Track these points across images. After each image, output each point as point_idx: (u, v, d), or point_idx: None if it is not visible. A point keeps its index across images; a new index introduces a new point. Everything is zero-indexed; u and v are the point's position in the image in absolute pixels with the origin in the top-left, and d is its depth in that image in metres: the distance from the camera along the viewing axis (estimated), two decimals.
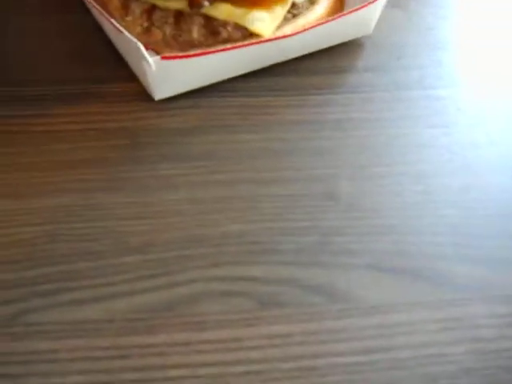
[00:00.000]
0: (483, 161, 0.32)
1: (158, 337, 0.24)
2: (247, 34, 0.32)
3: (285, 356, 0.24)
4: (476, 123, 0.33)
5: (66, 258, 0.26)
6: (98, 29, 0.36)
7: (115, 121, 0.32)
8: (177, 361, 0.24)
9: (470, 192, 0.30)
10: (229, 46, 0.31)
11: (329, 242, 0.27)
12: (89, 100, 0.32)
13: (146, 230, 0.27)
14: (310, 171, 0.30)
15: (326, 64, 0.36)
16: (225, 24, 0.32)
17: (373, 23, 0.36)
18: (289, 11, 0.33)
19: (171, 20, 0.32)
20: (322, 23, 0.33)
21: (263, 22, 0.32)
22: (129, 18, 0.33)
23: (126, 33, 0.30)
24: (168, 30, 0.32)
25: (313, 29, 0.33)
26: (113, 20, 0.30)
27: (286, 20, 0.33)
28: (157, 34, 0.32)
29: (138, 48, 0.29)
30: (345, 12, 0.34)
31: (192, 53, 0.30)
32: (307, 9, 0.34)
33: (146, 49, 0.33)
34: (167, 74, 0.31)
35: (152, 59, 0.29)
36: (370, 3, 0.34)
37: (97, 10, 0.31)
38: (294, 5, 0.34)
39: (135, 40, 0.29)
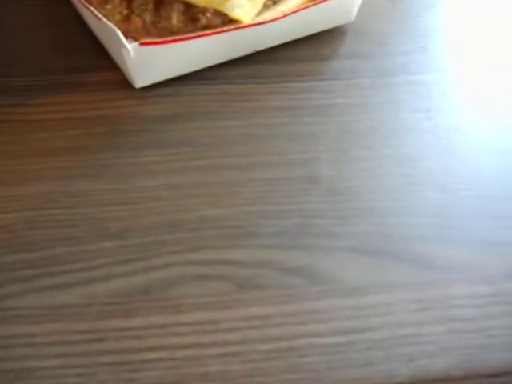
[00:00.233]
0: (466, 145, 0.31)
1: (135, 320, 0.24)
2: (227, 21, 0.32)
3: (263, 337, 0.24)
4: (460, 108, 0.33)
5: (44, 244, 0.26)
6: (79, 19, 0.36)
7: (96, 109, 0.32)
8: (153, 343, 0.23)
9: (452, 175, 0.30)
10: (208, 31, 0.31)
11: (310, 225, 0.27)
12: (70, 89, 0.32)
13: (125, 216, 0.27)
14: (291, 156, 0.30)
15: (309, 51, 0.35)
16: (204, 10, 0.32)
17: (355, 10, 0.36)
18: None
19: (151, 7, 0.32)
20: (302, 9, 0.33)
21: (243, 8, 0.32)
22: (108, 6, 0.32)
23: (105, 20, 0.30)
24: (147, 17, 0.32)
25: (293, 15, 0.33)
26: (92, 8, 0.30)
27: (266, 7, 0.33)
28: (136, 22, 0.32)
29: (116, 34, 0.29)
30: None
31: (171, 38, 0.30)
32: None
33: (126, 37, 0.33)
34: (146, 61, 0.31)
35: (130, 45, 0.29)
36: None
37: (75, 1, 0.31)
38: None
39: (113, 27, 0.29)
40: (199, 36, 0.31)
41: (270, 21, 0.32)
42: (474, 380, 0.23)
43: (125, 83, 0.33)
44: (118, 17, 0.33)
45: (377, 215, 0.28)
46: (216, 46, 0.32)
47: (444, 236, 0.27)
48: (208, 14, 0.32)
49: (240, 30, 0.32)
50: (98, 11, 0.33)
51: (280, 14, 0.33)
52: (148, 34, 0.33)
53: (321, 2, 0.33)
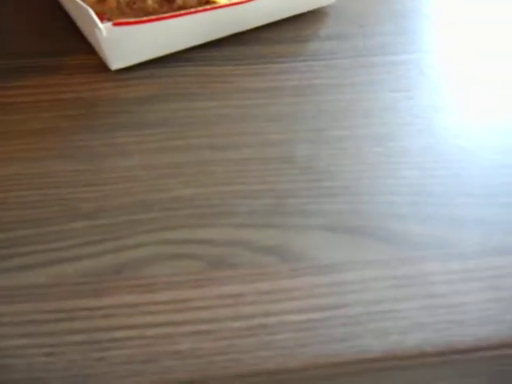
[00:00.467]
0: (443, 124, 0.31)
1: (105, 299, 0.24)
2: (203, 1, 0.32)
3: (235, 315, 0.23)
4: (438, 87, 0.33)
5: (15, 225, 0.26)
6: (58, 4, 0.35)
7: (72, 92, 0.31)
8: (124, 322, 0.23)
9: (429, 154, 0.30)
10: (183, 12, 0.31)
11: (283, 204, 0.27)
12: (46, 72, 0.32)
13: (97, 197, 0.27)
14: (266, 136, 0.30)
15: (289, 33, 0.35)
16: None
17: None
18: None
19: None
20: None
21: None
22: None
23: (78, 0, 0.30)
24: None
25: None
26: None
27: None
28: (111, 2, 0.32)
29: (89, 14, 0.29)
30: None
31: (145, 19, 0.30)
32: None
33: (102, 18, 0.33)
34: (121, 42, 0.31)
35: (103, 25, 0.29)
36: None
37: None
38: None
39: (86, 6, 0.29)
40: (174, 16, 0.31)
41: (246, 1, 0.32)
42: (447, 356, 0.23)
43: (102, 66, 0.33)
44: None
45: (352, 194, 0.28)
46: (192, 27, 0.32)
47: (419, 214, 0.27)
48: None
49: (216, 11, 0.32)
50: None
51: None
52: (123, 14, 0.32)
53: None
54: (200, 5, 0.32)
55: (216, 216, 0.26)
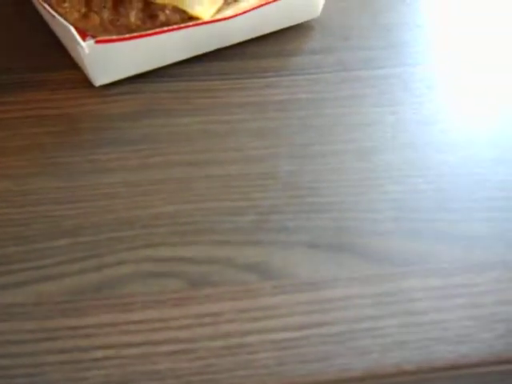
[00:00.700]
0: (427, 138, 0.31)
1: (86, 319, 0.24)
2: (186, 18, 0.32)
3: (214, 334, 0.23)
4: (422, 101, 0.33)
5: None
6: (41, 20, 0.36)
7: (55, 108, 0.31)
8: (103, 342, 0.23)
9: (412, 168, 0.30)
10: (166, 28, 0.31)
11: (265, 221, 0.27)
12: (29, 88, 0.32)
13: (78, 214, 0.27)
14: (249, 152, 0.30)
15: (273, 47, 0.35)
16: (163, 7, 0.31)
17: (320, 5, 0.36)
18: None
19: (109, 5, 0.32)
20: (263, 5, 0.32)
21: (202, 5, 0.31)
22: (66, 5, 0.32)
23: (59, 18, 0.30)
24: (106, 14, 0.32)
25: (254, 11, 0.32)
26: (46, 5, 0.30)
27: (227, 3, 0.33)
28: (94, 19, 0.32)
29: (71, 32, 0.29)
30: None
31: (127, 35, 0.30)
32: None
33: (86, 35, 0.33)
34: (104, 59, 0.31)
35: (85, 43, 0.29)
36: None
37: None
38: None
39: (68, 24, 0.29)
40: (157, 33, 0.31)
41: (229, 17, 0.32)
42: (427, 374, 0.23)
43: (86, 82, 0.33)
44: (75, 15, 0.32)
45: (335, 210, 0.28)
46: (176, 43, 0.32)
47: (401, 230, 0.27)
48: (167, 11, 0.32)
49: (199, 27, 0.32)
50: (56, 9, 0.33)
51: (241, 11, 0.33)
52: (106, 31, 0.32)
53: None
54: (183, 21, 0.32)
55: (198, 233, 0.26)
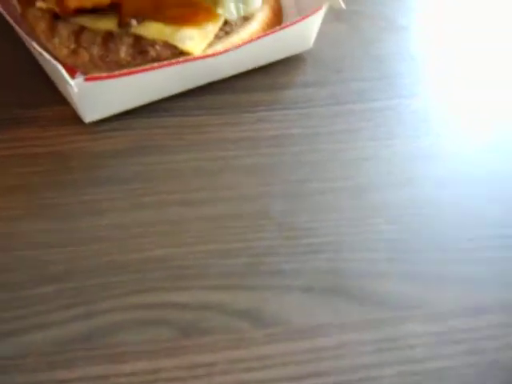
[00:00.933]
0: (423, 173, 0.31)
1: (75, 371, 0.23)
2: (177, 53, 0.31)
3: None
4: (417, 135, 0.33)
5: None
6: (31, 55, 0.35)
7: (45, 145, 0.31)
8: None
9: (407, 206, 0.29)
10: (155, 64, 0.30)
11: (259, 263, 0.26)
12: (19, 125, 0.31)
13: (67, 258, 0.26)
14: (242, 190, 0.29)
15: (265, 81, 0.35)
16: (153, 43, 0.31)
17: (312, 37, 0.35)
18: (221, 29, 0.33)
19: (99, 41, 0.31)
20: (254, 40, 0.32)
21: (193, 40, 0.31)
22: (55, 40, 0.32)
23: (46, 54, 0.29)
24: (95, 50, 0.31)
25: (245, 46, 0.32)
26: (34, 42, 0.30)
27: (218, 38, 0.33)
28: (84, 56, 0.32)
29: (59, 70, 0.28)
30: (279, 27, 0.33)
31: (117, 73, 0.30)
32: (241, 26, 0.33)
33: (75, 71, 0.33)
34: (94, 96, 0.30)
35: (74, 81, 0.29)
36: (305, 17, 0.33)
37: (21, 35, 0.31)
38: (226, 22, 0.33)
39: (55, 62, 0.29)
40: (147, 70, 0.30)
41: (220, 52, 0.32)
42: None
43: (77, 118, 0.32)
44: (65, 51, 0.32)
45: (330, 251, 0.27)
46: (166, 78, 0.31)
47: (397, 271, 0.26)
48: (157, 47, 0.31)
49: (190, 63, 0.31)
50: (45, 45, 0.32)
51: (232, 46, 0.32)
52: (96, 67, 0.32)
53: (274, 32, 0.33)
54: (174, 56, 0.31)
55: (189, 278, 0.26)
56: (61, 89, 0.32)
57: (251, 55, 0.33)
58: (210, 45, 0.32)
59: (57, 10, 0.32)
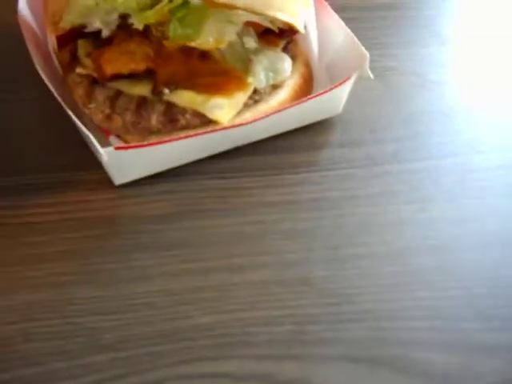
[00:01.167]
0: (459, 237, 0.31)
1: None
2: (206, 121, 0.32)
3: None
4: (452, 198, 0.33)
5: (40, 359, 0.26)
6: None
7: (91, 209, 0.32)
8: None
9: (445, 272, 0.30)
10: (183, 134, 0.31)
11: (302, 332, 0.27)
12: (64, 189, 0.33)
13: (119, 326, 0.27)
14: (284, 255, 0.30)
15: (301, 141, 0.36)
16: (183, 111, 0.32)
17: (341, 104, 0.36)
18: (250, 97, 0.33)
19: (133, 107, 0.32)
20: (283, 109, 0.33)
21: (222, 109, 0.32)
22: (92, 105, 0.33)
23: (79, 122, 0.31)
24: (128, 117, 0.32)
25: (272, 115, 0.33)
26: (69, 111, 0.31)
27: (246, 106, 0.33)
28: (117, 121, 0.33)
29: (90, 140, 0.30)
30: (306, 98, 0.34)
31: (146, 143, 0.31)
32: (270, 93, 0.34)
33: (109, 134, 0.34)
34: (123, 162, 0.31)
35: (104, 150, 0.30)
36: (333, 87, 0.34)
37: (60, 101, 0.32)
38: (255, 91, 0.34)
39: (86, 131, 0.30)
40: (175, 140, 0.31)
41: (248, 122, 0.32)
42: None
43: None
44: (100, 116, 0.33)
45: (371, 319, 0.28)
46: (195, 145, 0.33)
47: (438, 340, 0.27)
48: (187, 116, 0.33)
49: (217, 132, 0.32)
50: (82, 110, 0.34)
51: (261, 114, 0.33)
52: (128, 133, 0.33)
53: (302, 102, 0.34)
54: (203, 125, 0.32)
55: (235, 346, 0.27)
56: (95, 152, 0.33)
57: (279, 123, 0.34)
58: (239, 113, 0.33)
59: (95, 75, 0.34)
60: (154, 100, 0.33)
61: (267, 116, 0.33)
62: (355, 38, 0.35)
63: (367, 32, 0.42)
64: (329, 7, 0.38)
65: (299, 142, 0.36)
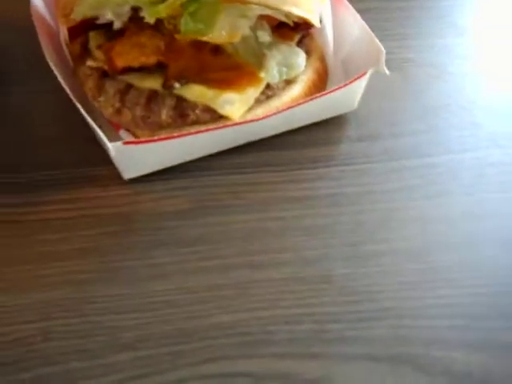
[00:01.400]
0: (480, 233, 0.31)
1: None
2: (216, 117, 0.32)
3: None
4: (472, 192, 0.33)
5: (59, 358, 0.26)
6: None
7: (107, 206, 0.32)
8: None
9: (467, 269, 0.29)
10: (193, 130, 0.31)
11: (323, 331, 0.27)
12: (81, 184, 0.32)
13: (138, 325, 0.27)
14: (303, 252, 0.30)
15: (318, 135, 0.35)
16: (194, 106, 0.32)
17: (356, 100, 0.35)
18: (262, 92, 0.33)
19: (143, 101, 0.32)
20: (295, 105, 0.32)
21: (233, 104, 0.32)
22: (101, 99, 0.33)
23: (87, 116, 0.30)
24: (138, 111, 0.32)
25: (285, 112, 0.32)
26: (78, 104, 0.31)
27: (258, 102, 0.33)
28: (127, 115, 0.32)
29: (98, 133, 0.30)
30: (320, 94, 0.33)
31: (155, 138, 0.30)
32: (283, 89, 0.33)
33: (119, 128, 0.34)
34: (132, 157, 0.31)
35: (112, 145, 0.29)
36: (348, 83, 0.33)
37: (70, 95, 0.31)
38: (268, 86, 0.33)
39: (94, 125, 0.30)
40: (184, 135, 0.31)
41: (260, 119, 0.32)
42: None
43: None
44: (110, 109, 0.33)
45: (393, 317, 0.27)
46: (206, 141, 0.32)
47: (461, 339, 0.27)
48: (197, 111, 0.32)
49: (228, 128, 0.32)
50: (92, 104, 0.34)
51: (273, 110, 0.32)
52: (138, 127, 0.33)
53: (315, 98, 0.33)
54: (213, 120, 0.32)
55: (256, 345, 0.26)
56: (104, 148, 0.33)
57: (292, 119, 0.34)
58: (251, 109, 0.32)
59: (105, 68, 0.33)
60: (165, 94, 0.32)
61: (279, 112, 0.32)
62: (371, 32, 0.34)
63: (384, 23, 0.42)
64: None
65: (316, 137, 0.35)
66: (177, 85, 0.32)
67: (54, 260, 0.29)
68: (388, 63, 0.34)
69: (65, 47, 0.37)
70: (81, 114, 0.31)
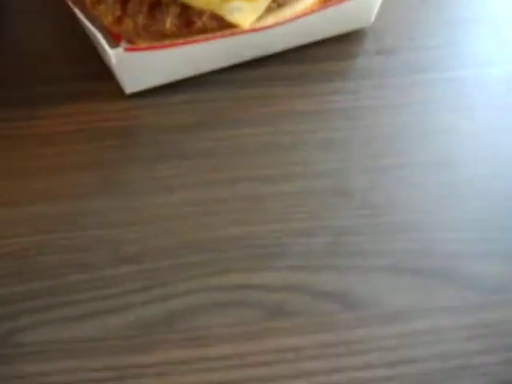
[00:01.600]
0: (508, 147, 0.29)
1: (155, 355, 0.22)
2: (224, 25, 0.29)
3: (296, 372, 0.22)
4: (500, 105, 0.31)
5: (56, 271, 0.24)
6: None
7: (108, 120, 0.29)
8: (176, 381, 0.21)
9: (497, 181, 0.27)
10: (201, 37, 0.28)
11: (341, 243, 0.25)
12: (81, 99, 0.30)
13: (140, 238, 0.25)
14: (318, 165, 0.28)
15: (334, 50, 0.33)
16: (200, 14, 0.29)
17: (373, 13, 0.33)
18: (274, 0, 0.30)
19: (145, 9, 0.29)
20: (308, 13, 0.29)
21: (242, 12, 0.29)
22: (101, 7, 0.30)
23: (87, 22, 0.28)
24: (140, 19, 0.29)
25: (297, 20, 0.30)
26: (77, 9, 0.28)
27: (270, 10, 0.30)
28: (128, 24, 0.30)
29: (98, 38, 0.27)
30: (336, 0, 0.30)
31: (159, 44, 0.28)
32: None
33: (120, 39, 0.31)
34: (134, 67, 0.28)
35: (113, 51, 0.27)
36: None
37: (68, 3, 0.29)
38: None
39: (94, 29, 0.27)
40: (190, 42, 0.28)
41: (269, 27, 0.29)
42: None
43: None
44: (110, 18, 0.30)
45: (415, 230, 0.25)
46: (212, 51, 0.30)
47: (490, 251, 0.25)
48: (204, 18, 0.29)
49: (236, 37, 0.29)
50: (91, 11, 0.31)
51: (284, 19, 0.30)
52: (139, 37, 0.30)
53: (330, 5, 0.30)
54: (221, 28, 0.29)
55: (269, 257, 0.24)
56: (105, 60, 0.31)
57: (304, 30, 0.31)
58: (261, 17, 0.30)
59: None
60: (169, 1, 0.30)
61: (291, 20, 0.30)
62: None
63: None
64: None
65: (331, 51, 0.33)
66: None
67: (52, 174, 0.27)
68: None
69: None
70: (81, 26, 0.29)
